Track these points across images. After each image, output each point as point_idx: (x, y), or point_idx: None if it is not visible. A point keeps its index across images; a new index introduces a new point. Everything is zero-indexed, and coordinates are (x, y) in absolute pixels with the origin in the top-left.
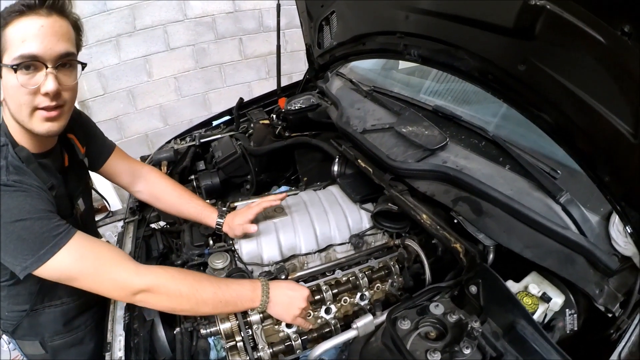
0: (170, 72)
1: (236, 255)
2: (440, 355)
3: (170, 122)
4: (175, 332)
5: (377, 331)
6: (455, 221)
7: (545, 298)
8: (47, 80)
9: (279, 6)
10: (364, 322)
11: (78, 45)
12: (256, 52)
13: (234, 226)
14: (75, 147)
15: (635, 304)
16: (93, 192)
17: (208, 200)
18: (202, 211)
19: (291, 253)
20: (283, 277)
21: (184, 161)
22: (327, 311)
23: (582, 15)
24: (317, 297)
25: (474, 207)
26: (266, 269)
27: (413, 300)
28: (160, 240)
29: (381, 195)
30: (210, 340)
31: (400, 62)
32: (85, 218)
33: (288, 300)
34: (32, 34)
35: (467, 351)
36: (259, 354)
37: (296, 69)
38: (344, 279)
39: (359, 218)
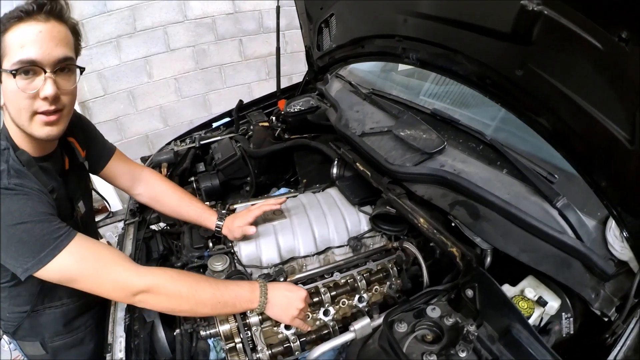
0: (171, 73)
1: (235, 258)
2: (436, 358)
3: (171, 123)
4: (175, 333)
5: (375, 334)
6: (453, 224)
7: (541, 302)
8: (45, 85)
9: (278, 8)
10: (362, 325)
11: (77, 50)
12: (256, 53)
13: (233, 228)
14: (76, 151)
15: (631, 309)
16: (94, 192)
17: (208, 202)
18: (201, 214)
19: (290, 255)
20: (282, 279)
21: (184, 163)
22: (326, 313)
23: (580, 21)
24: (316, 299)
25: (471, 211)
26: (265, 271)
27: (410, 303)
28: (160, 242)
29: (380, 198)
30: (210, 341)
31: (400, 64)
32: (85, 220)
33: (286, 301)
34: (31, 39)
35: (462, 354)
36: (258, 356)
37: (296, 70)
38: (342, 281)
39: (358, 221)
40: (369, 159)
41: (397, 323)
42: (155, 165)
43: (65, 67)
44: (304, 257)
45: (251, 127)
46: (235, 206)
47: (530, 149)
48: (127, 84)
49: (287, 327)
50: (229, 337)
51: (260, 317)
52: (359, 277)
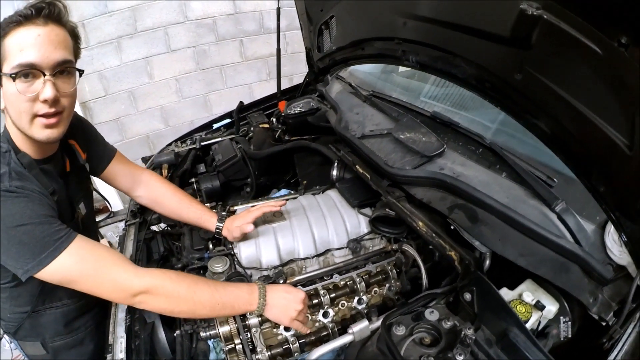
0: (171, 73)
1: (235, 260)
2: None
3: (171, 123)
4: (175, 334)
5: (373, 336)
6: (452, 227)
7: (539, 306)
8: (45, 88)
9: (278, 10)
10: (360, 327)
11: (76, 53)
12: (257, 54)
13: (232, 229)
14: (77, 153)
15: (629, 313)
16: (95, 192)
17: (208, 203)
18: (201, 215)
19: (290, 257)
20: (281, 281)
21: (184, 164)
22: (325, 315)
23: (579, 25)
24: (315, 301)
25: (469, 214)
26: (265, 273)
27: (408, 306)
28: (160, 243)
29: (379, 200)
30: (210, 342)
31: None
32: (86, 222)
33: (285, 303)
34: (30, 43)
35: (460, 358)
36: (257, 357)
37: (296, 70)
38: (341, 283)
39: (357, 223)
40: (369, 162)
41: (395, 326)
42: (156, 167)
43: (65, 69)
44: (304, 259)
45: (251, 128)
46: (235, 208)
47: (529, 151)
48: (128, 84)
49: (287, 329)
50: (228, 339)
51: (259, 318)
52: (358, 279)
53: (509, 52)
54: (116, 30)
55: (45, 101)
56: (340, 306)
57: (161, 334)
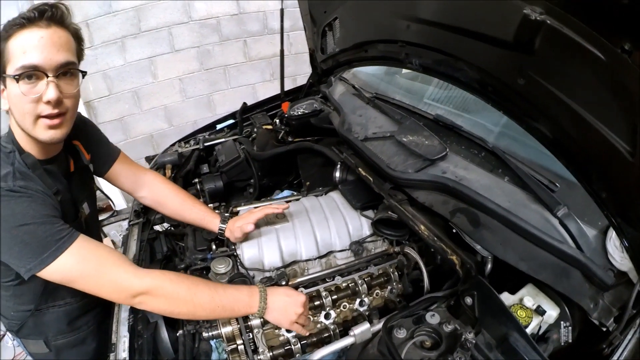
0: (175, 73)
1: (238, 261)
2: None
3: (175, 123)
4: (178, 334)
5: (374, 338)
6: (454, 231)
7: (540, 311)
8: (48, 89)
9: (282, 11)
10: (361, 330)
11: (79, 54)
12: (260, 54)
13: (234, 229)
14: (81, 154)
15: (629, 320)
16: (98, 191)
17: (211, 204)
18: (204, 216)
19: (292, 259)
20: (284, 282)
21: (187, 164)
22: (327, 316)
23: (582, 31)
24: (317, 302)
25: (471, 218)
26: (267, 274)
27: (410, 309)
28: (164, 243)
29: (382, 203)
30: (212, 342)
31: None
32: (89, 222)
33: (285, 306)
34: (33, 45)
35: None
36: (259, 357)
37: (300, 71)
38: (343, 285)
39: (360, 225)
40: (371, 165)
41: (396, 329)
42: (160, 167)
43: (68, 71)
44: (306, 260)
45: (255, 129)
46: (238, 209)
47: (532, 155)
48: (131, 84)
49: (289, 330)
50: (231, 339)
51: (261, 319)
52: (360, 281)
53: (512, 57)
54: (120, 30)
55: (48, 102)
56: (341, 308)
57: (164, 334)
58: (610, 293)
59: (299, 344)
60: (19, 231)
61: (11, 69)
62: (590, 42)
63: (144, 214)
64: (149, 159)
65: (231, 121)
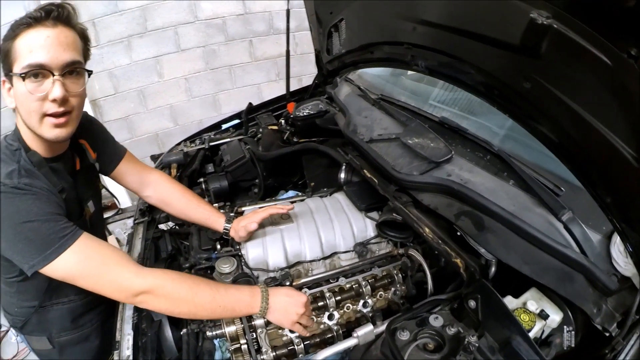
0: (181, 73)
1: (242, 261)
2: None
3: (180, 122)
4: (182, 333)
5: (377, 340)
6: (459, 234)
7: (543, 315)
8: (54, 87)
9: (288, 12)
10: (365, 331)
11: (85, 54)
12: (266, 54)
13: (239, 228)
14: (86, 152)
15: (632, 325)
16: (103, 189)
17: (216, 204)
18: (209, 216)
19: (296, 260)
20: (288, 283)
21: (193, 164)
22: (330, 317)
23: (589, 36)
24: (321, 303)
25: (475, 221)
26: (271, 274)
27: (413, 311)
28: (169, 242)
29: (386, 205)
30: (216, 342)
31: None
32: (94, 220)
33: (286, 307)
34: (39, 44)
35: None
36: (262, 357)
37: (306, 71)
38: (347, 286)
39: (364, 226)
40: (376, 166)
41: (399, 331)
42: (165, 166)
43: (74, 70)
44: (310, 261)
45: (260, 129)
46: (243, 209)
47: (538, 159)
48: (137, 83)
49: (292, 330)
50: (234, 338)
51: (265, 319)
52: (364, 283)
53: (518, 61)
54: (126, 30)
55: (54, 100)
56: (345, 309)
57: (168, 332)
58: (613, 298)
59: (302, 345)
60: (23, 228)
61: (18, 68)
62: (597, 47)
63: (149, 213)
64: (154, 158)
65: (236, 121)
